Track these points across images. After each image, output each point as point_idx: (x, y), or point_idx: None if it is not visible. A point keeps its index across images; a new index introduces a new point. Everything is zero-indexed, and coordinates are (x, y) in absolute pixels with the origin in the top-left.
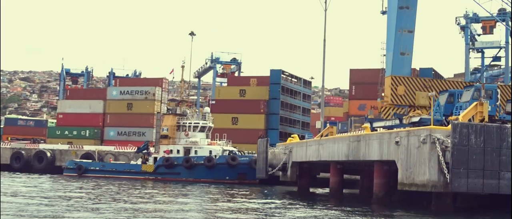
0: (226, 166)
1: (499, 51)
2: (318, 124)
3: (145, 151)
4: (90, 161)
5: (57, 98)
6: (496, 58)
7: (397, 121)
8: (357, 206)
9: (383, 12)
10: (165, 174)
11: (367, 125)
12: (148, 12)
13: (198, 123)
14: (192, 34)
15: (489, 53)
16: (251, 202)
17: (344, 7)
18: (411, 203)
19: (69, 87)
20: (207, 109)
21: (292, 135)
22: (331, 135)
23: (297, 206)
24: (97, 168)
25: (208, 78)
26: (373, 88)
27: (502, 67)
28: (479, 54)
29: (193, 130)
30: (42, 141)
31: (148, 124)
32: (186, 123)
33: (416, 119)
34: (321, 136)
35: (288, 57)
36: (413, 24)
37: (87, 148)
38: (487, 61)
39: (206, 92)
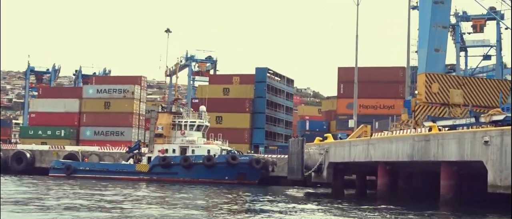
0: (225, 166)
1: (490, 49)
2: (351, 123)
3: (137, 151)
4: (79, 161)
5: (8, 96)
6: (487, 57)
7: (473, 120)
8: (424, 208)
9: (414, 7)
10: (161, 174)
11: (431, 124)
12: (116, 8)
13: (195, 122)
14: (168, 31)
15: (478, 51)
16: (317, 207)
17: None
18: (480, 206)
19: (33, 85)
20: (203, 107)
21: (325, 135)
22: (365, 134)
23: (369, 210)
24: (87, 168)
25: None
26: (362, 87)
27: (493, 64)
28: (470, 52)
29: (190, 129)
30: (12, 142)
31: (127, 123)
32: (182, 121)
33: (499, 117)
34: (359, 135)
35: (264, 55)
36: (447, 19)
37: (69, 148)
38: (477, 60)
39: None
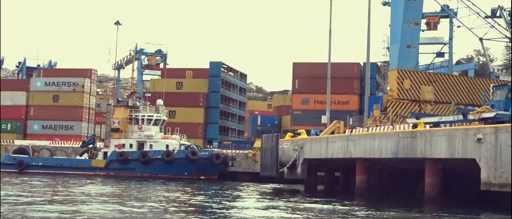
0: (185, 161)
1: (443, 47)
2: (324, 119)
3: (92, 145)
4: (30, 156)
5: None
6: (440, 54)
7: (460, 117)
8: (407, 206)
9: (385, 3)
10: (118, 169)
11: (415, 120)
12: None
13: (152, 116)
14: (117, 23)
15: (431, 49)
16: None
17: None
18: (464, 203)
19: None
20: (160, 101)
21: (298, 130)
22: (338, 130)
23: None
24: (40, 164)
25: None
26: (317, 82)
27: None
28: (423, 50)
29: (147, 124)
30: None
31: (77, 117)
32: (139, 116)
33: (489, 114)
34: (333, 132)
35: (212, 49)
36: (419, 16)
37: (18, 142)
38: (430, 57)
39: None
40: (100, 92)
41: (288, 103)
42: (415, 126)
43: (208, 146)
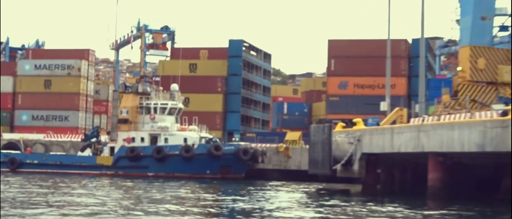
0: (207, 158)
1: (506, 19)
2: (384, 106)
3: (95, 139)
4: (23, 152)
5: None
6: (504, 28)
7: None
8: (491, 211)
9: None
10: (129, 168)
11: (504, 106)
12: None
13: (166, 104)
14: None
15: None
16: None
17: None
18: None
19: None
20: (175, 86)
21: (354, 120)
22: (401, 120)
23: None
24: (36, 162)
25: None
26: (356, 63)
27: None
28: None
29: (161, 113)
30: None
31: (73, 106)
32: (151, 104)
33: None
34: (394, 121)
35: (230, 26)
36: None
37: (7, 136)
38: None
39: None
40: (102, 75)
41: (319, 87)
42: (505, 113)
43: (234, 139)
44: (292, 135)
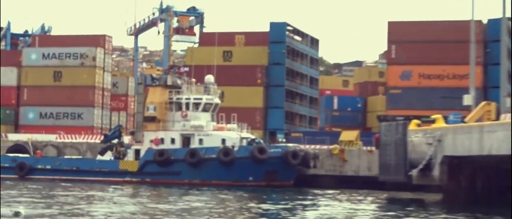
0: (250, 162)
1: None
2: (468, 100)
3: (117, 140)
4: (33, 155)
5: None
6: None
7: None
8: None
9: None
10: (157, 174)
11: None
12: None
13: (201, 98)
14: None
15: None
16: None
17: None
18: None
19: None
20: (210, 78)
21: (432, 117)
22: (489, 116)
23: None
24: (49, 167)
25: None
26: (421, 49)
27: None
28: None
29: (194, 109)
30: None
31: (87, 101)
32: (182, 99)
33: None
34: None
35: (270, 7)
36: None
37: (13, 137)
38: None
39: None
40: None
41: (375, 78)
42: None
43: (280, 140)
44: (348, 134)
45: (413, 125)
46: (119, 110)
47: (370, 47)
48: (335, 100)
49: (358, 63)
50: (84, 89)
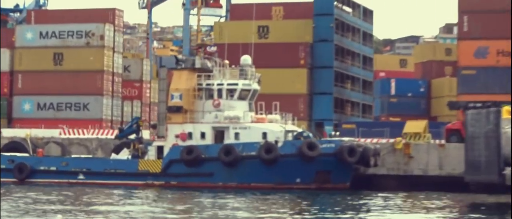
0: (297, 160)
1: None
2: None
3: (134, 135)
4: (33, 155)
5: None
6: None
7: None
8: None
9: None
10: (185, 176)
11: None
12: None
13: (236, 84)
14: None
15: None
16: None
17: None
18: None
19: None
20: (247, 58)
21: None
22: None
23: None
24: (54, 169)
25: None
26: (498, 20)
27: None
28: None
29: (228, 97)
30: None
31: (94, 89)
32: (214, 84)
33: None
34: None
35: None
36: None
37: (8, 133)
38: None
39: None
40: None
41: (440, 56)
42: None
43: (333, 133)
44: (414, 125)
45: (505, 113)
46: (132, 99)
47: (428, 19)
48: (393, 84)
49: (413, 39)
50: (90, 75)
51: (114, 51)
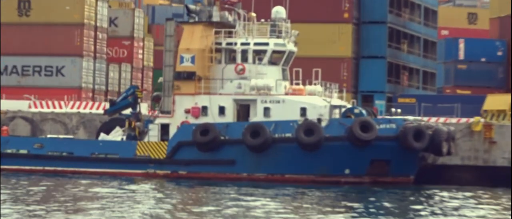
0: (346, 145)
1: None
2: None
3: (130, 109)
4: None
5: None
6: None
7: None
8: None
9: None
10: (199, 164)
11: None
12: None
13: (267, 44)
14: None
15: None
16: None
17: None
18: None
19: None
20: (280, 10)
21: None
22: None
23: None
24: (25, 152)
25: None
26: None
27: None
28: None
29: (255, 61)
30: None
31: (71, 48)
32: (236, 44)
33: None
34: None
35: None
36: None
37: None
38: None
39: None
40: None
41: None
42: None
43: (394, 110)
44: (497, 101)
45: None
46: (119, 62)
47: None
48: (461, 46)
49: None
50: (66, 29)
51: None
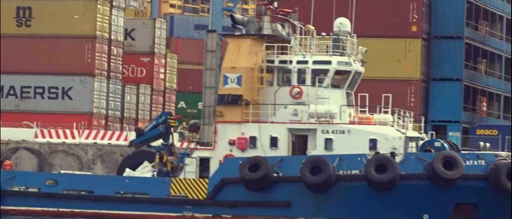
0: (427, 185)
1: None
2: None
3: (161, 141)
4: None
5: None
6: None
7: None
8: None
9: None
10: (247, 205)
11: None
12: None
13: (328, 63)
14: None
15: None
16: None
17: None
18: None
19: None
20: (344, 22)
21: None
22: None
23: None
24: (35, 191)
25: None
26: None
27: None
28: None
29: (314, 83)
30: None
31: (79, 67)
32: (292, 62)
33: None
34: None
35: None
36: None
37: None
38: None
39: None
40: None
41: None
42: None
43: (482, 145)
44: None
45: None
46: (137, 83)
47: None
48: None
49: None
50: (74, 42)
51: (112, 6)
